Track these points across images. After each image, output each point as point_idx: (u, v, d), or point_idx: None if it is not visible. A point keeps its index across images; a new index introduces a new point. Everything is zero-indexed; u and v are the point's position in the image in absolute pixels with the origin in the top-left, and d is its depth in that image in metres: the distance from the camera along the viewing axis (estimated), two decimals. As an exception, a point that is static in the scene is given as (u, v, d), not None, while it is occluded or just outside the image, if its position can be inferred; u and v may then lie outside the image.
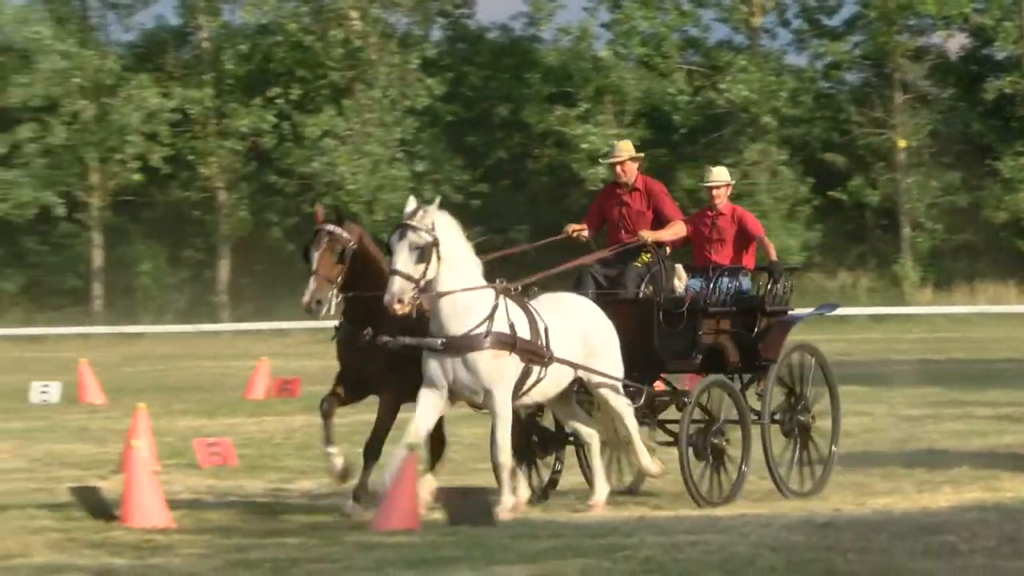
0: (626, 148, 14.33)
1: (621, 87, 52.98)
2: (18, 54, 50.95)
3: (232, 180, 54.85)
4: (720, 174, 14.83)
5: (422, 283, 12.38)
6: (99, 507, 13.47)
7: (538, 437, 14.02)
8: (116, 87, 51.61)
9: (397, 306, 12.14)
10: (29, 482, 15.19)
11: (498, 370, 12.61)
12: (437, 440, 13.69)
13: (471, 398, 12.72)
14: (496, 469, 12.71)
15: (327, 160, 51.46)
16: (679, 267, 14.09)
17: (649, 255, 14.02)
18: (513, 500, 12.62)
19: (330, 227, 12.86)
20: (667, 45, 53.91)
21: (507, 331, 12.63)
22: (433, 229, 12.41)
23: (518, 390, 12.83)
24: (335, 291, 12.82)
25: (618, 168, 14.16)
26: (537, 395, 13.12)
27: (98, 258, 52.33)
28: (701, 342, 13.82)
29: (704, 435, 13.71)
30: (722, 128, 53.85)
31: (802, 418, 14.36)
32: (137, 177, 52.80)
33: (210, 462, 17.45)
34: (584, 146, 51.31)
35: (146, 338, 47.08)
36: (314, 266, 12.70)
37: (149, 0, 55.81)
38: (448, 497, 12.37)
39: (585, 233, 14.45)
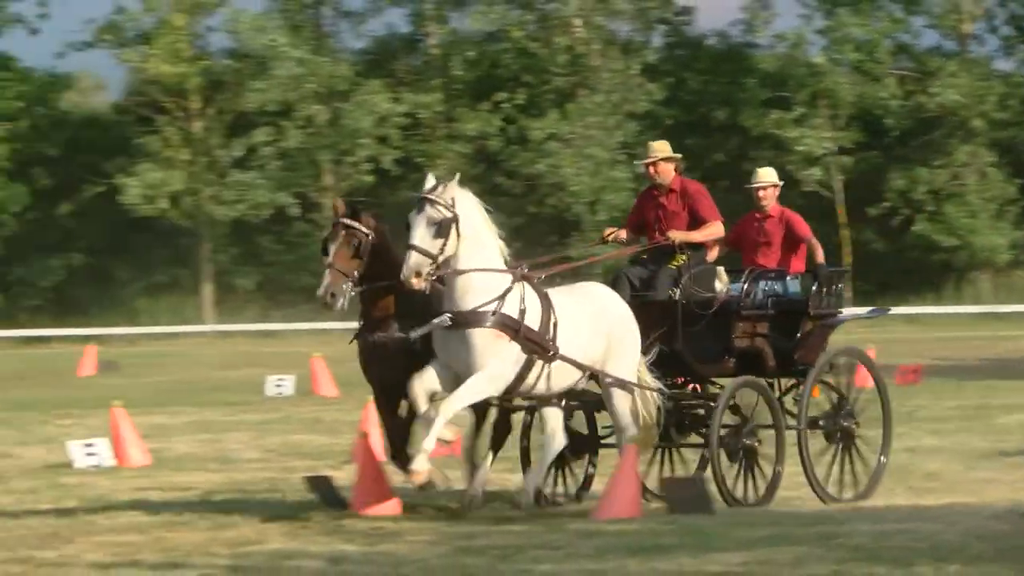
0: (660, 148, 13.81)
1: (835, 91, 53.86)
2: (255, 61, 52.41)
3: (460, 182, 54.99)
4: (766, 175, 14.34)
5: (440, 259, 11.97)
6: (331, 496, 13.73)
7: (569, 440, 13.41)
8: (348, 92, 53.03)
9: (414, 280, 11.78)
10: (264, 472, 15.50)
11: (495, 350, 12.02)
12: (503, 428, 13.52)
13: (466, 373, 12.15)
14: (424, 415, 12.10)
15: (551, 162, 52.17)
16: (720, 269, 13.64)
17: (684, 256, 13.50)
18: (424, 462, 12.11)
19: (347, 220, 12.61)
20: (879, 51, 54.62)
21: (515, 315, 12.12)
22: (453, 205, 11.98)
23: (520, 382, 12.29)
24: (351, 284, 12.59)
25: (651, 169, 13.75)
26: (543, 389, 12.65)
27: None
28: (734, 345, 13.37)
29: (736, 436, 13.20)
30: (932, 131, 54.56)
31: (845, 423, 13.81)
32: (368, 178, 53.81)
33: (447, 452, 17.53)
34: (799, 148, 52.34)
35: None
36: (330, 259, 12.52)
37: (380, 8, 56.02)
38: (668, 486, 12.32)
39: (623, 235, 14.03)
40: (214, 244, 52.60)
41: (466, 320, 11.83)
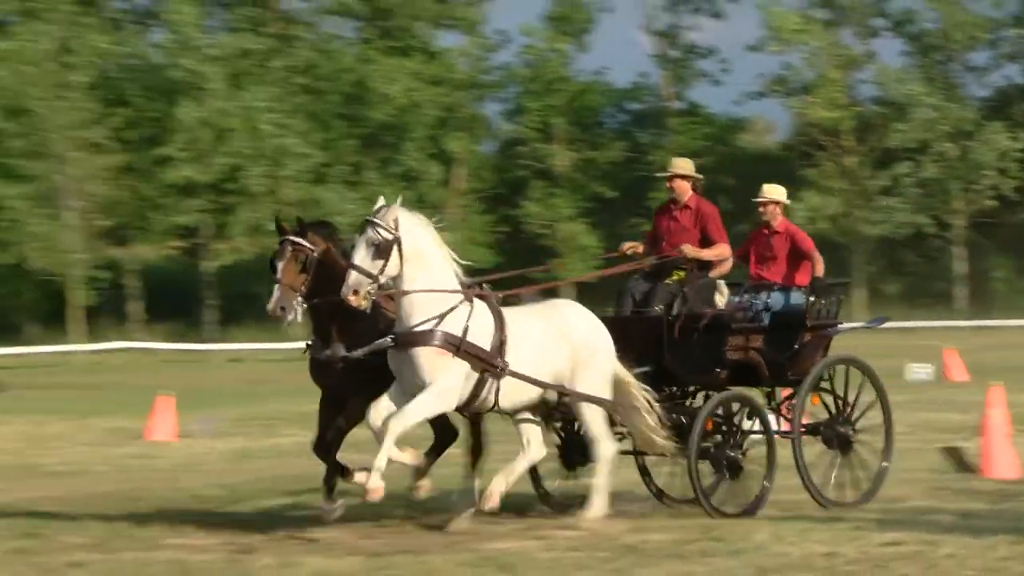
0: (679, 165, 12.42)
1: None
2: (897, 107, 56.76)
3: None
4: (770, 192, 12.81)
5: (381, 279, 10.64)
6: (963, 463, 14.23)
7: (579, 446, 11.89)
8: (974, 132, 56.72)
9: (352, 298, 10.44)
10: (907, 443, 15.42)
11: (439, 367, 10.64)
12: (478, 442, 11.93)
13: (416, 392, 10.79)
14: (378, 433, 10.55)
15: None
16: (721, 283, 12.19)
17: (683, 272, 12.08)
18: (367, 476, 10.54)
19: (293, 238, 11.15)
20: None
21: (457, 333, 10.71)
22: (396, 228, 10.59)
23: (475, 398, 10.92)
24: (299, 299, 11.08)
25: (668, 183, 12.34)
26: (505, 403, 11.16)
27: (960, 267, 53.61)
28: (726, 358, 11.87)
29: (721, 448, 11.67)
30: None
31: (842, 430, 12.28)
32: (991, 203, 56.14)
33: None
34: None
35: (1000, 331, 47.03)
36: (278, 275, 11.07)
37: (1000, 64, 59.57)
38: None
39: (640, 249, 12.55)
40: (865, 257, 53.91)
41: (408, 340, 10.68)
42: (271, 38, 50.63)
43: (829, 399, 12.40)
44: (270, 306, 10.95)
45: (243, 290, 46.44)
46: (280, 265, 10.99)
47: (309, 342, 11.33)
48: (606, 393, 11.36)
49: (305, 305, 11.04)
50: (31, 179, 45.67)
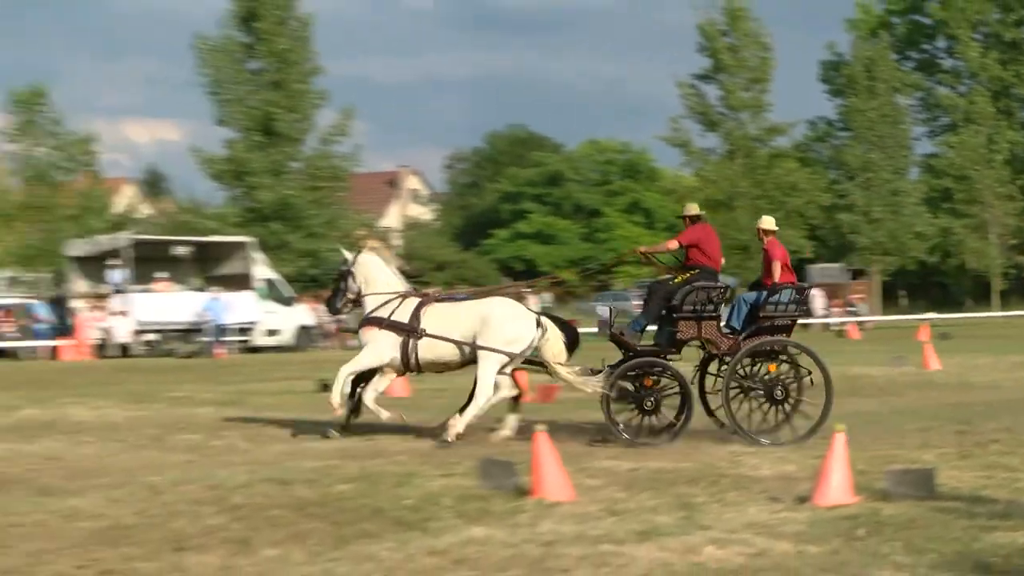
0: (690, 208, 16.52)
1: None
2: None
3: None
4: (761, 222, 16.59)
5: (350, 296, 16.69)
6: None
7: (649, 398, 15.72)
8: None
9: (338, 311, 17.12)
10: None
11: (369, 336, 16.49)
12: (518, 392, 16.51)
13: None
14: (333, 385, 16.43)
15: None
16: (708, 285, 15.52)
17: (682, 276, 15.85)
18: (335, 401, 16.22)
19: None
20: None
21: (382, 316, 16.32)
22: (352, 264, 16.65)
23: (405, 351, 16.16)
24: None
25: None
26: (427, 354, 16.21)
27: None
28: (678, 337, 15.74)
29: (656, 394, 15.66)
30: None
31: (776, 388, 15.55)
32: None
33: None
34: None
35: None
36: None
37: None
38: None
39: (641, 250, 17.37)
40: None
41: (360, 323, 16.84)
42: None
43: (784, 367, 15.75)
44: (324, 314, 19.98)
45: None
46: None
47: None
48: (504, 349, 15.78)
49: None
50: (971, 216, 71.28)
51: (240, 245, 46.56)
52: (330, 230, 57.51)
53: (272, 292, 47.15)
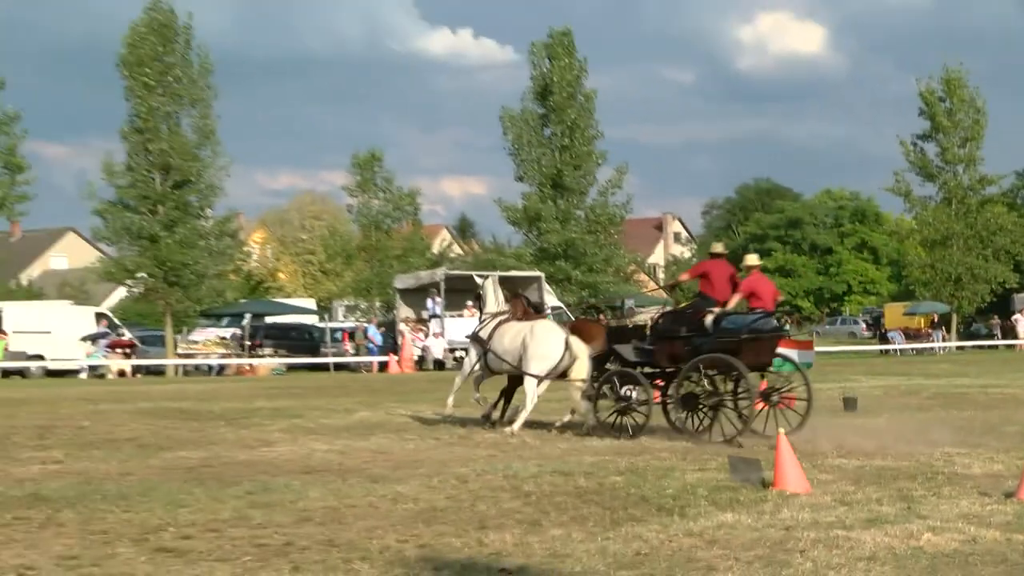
0: (715, 247, 16.99)
1: None
2: None
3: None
4: (746, 259, 16.60)
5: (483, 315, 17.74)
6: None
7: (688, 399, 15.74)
8: None
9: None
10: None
11: (470, 348, 17.83)
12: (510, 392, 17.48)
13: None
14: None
15: None
16: (686, 309, 16.32)
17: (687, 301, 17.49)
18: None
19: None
20: None
21: (481, 334, 17.16)
22: (480, 289, 17.97)
23: (484, 360, 17.08)
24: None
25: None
26: (492, 363, 17.01)
27: None
28: (655, 356, 16.07)
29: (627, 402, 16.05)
30: None
31: (716, 399, 15.64)
32: None
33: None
34: None
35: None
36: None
37: None
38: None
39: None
40: None
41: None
42: None
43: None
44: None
45: None
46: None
47: None
48: (537, 368, 16.24)
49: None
50: None
51: (534, 278, 47.01)
52: (606, 266, 58.48)
53: (558, 318, 47.53)
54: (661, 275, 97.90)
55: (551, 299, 47.42)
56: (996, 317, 63.86)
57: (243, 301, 58.90)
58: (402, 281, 47.18)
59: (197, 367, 45.53)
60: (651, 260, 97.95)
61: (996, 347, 60.43)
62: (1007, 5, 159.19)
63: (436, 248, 71.22)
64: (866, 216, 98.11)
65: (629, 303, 31.74)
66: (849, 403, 20.18)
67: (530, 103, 58.14)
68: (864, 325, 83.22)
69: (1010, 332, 62.35)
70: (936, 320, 65.27)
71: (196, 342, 47.89)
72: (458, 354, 43.33)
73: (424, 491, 11.36)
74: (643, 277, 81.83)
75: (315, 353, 47.32)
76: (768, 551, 8.32)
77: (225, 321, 52.01)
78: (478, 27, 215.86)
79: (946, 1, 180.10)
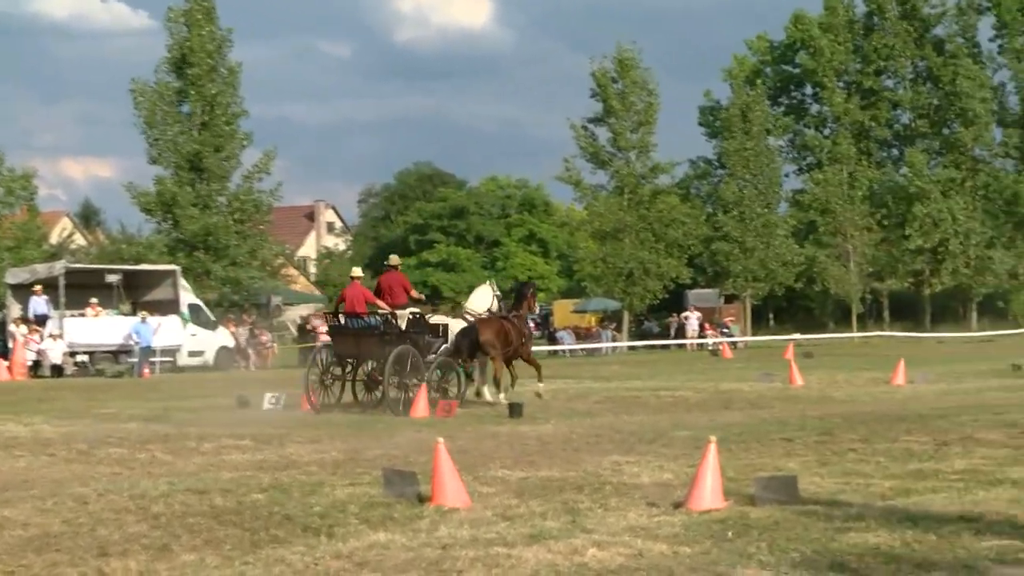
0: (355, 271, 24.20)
1: None
2: None
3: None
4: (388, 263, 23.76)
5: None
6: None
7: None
8: None
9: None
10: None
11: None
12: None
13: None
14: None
15: None
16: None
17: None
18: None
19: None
20: None
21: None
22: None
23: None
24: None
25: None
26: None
27: None
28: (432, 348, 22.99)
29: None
30: None
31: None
32: None
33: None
34: None
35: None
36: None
37: None
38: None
39: None
40: None
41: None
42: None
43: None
44: None
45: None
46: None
47: None
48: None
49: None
50: (833, 246, 71.45)
51: (167, 273, 46.45)
52: (251, 259, 58.19)
53: (196, 316, 47.12)
54: (312, 268, 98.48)
55: (188, 296, 46.82)
56: (675, 316, 66.49)
57: None
58: (15, 276, 45.41)
59: None
60: (302, 252, 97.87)
61: (668, 347, 63.76)
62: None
63: (55, 238, 69.16)
64: (535, 206, 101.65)
65: (276, 300, 32.01)
66: (515, 409, 20.85)
67: (165, 75, 57.16)
68: (533, 324, 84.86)
69: (680, 331, 65.62)
70: (605, 318, 68.62)
71: None
72: (79, 358, 42.40)
73: (36, 515, 11.02)
74: (292, 271, 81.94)
75: None
76: (423, 572, 8.43)
77: None
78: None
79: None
